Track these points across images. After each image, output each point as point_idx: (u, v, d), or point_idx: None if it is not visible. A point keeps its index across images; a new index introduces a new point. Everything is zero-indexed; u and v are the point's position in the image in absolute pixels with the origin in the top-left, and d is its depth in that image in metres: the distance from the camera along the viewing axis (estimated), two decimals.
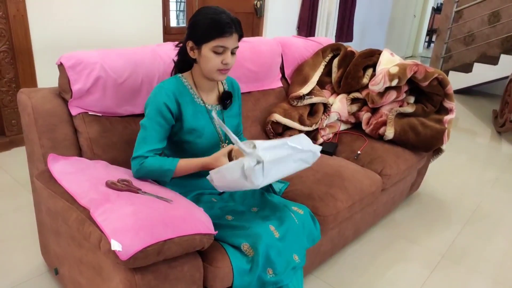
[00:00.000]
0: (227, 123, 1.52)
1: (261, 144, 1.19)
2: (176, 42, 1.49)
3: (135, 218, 1.07)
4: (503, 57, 4.83)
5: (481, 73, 5.05)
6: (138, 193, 1.22)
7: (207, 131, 1.45)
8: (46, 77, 2.90)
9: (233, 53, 1.36)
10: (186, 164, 1.34)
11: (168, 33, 3.69)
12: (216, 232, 1.21)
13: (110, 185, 1.22)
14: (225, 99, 1.50)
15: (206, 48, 1.32)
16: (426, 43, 9.91)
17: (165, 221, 1.10)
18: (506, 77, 4.61)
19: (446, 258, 2.02)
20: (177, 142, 1.43)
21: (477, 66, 5.10)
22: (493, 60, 5.02)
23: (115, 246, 1.00)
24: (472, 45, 5.62)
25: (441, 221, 2.37)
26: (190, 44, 1.35)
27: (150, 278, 1.07)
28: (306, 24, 4.91)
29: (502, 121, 3.90)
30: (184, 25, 3.94)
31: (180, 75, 1.45)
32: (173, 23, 3.83)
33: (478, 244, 2.16)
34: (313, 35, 5.02)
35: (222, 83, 1.55)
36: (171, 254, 1.08)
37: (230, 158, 1.33)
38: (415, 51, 8.80)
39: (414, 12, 8.26)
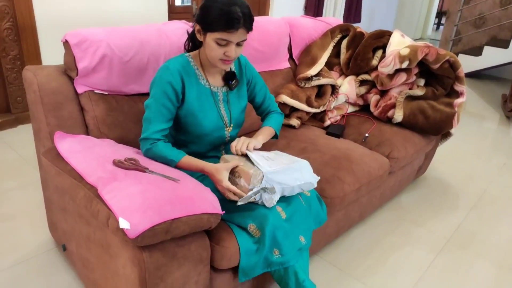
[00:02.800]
0: (234, 104, 1.49)
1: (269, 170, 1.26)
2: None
3: (143, 197, 1.07)
4: None
5: (491, 56, 4.95)
6: (145, 172, 1.21)
7: (211, 114, 1.43)
8: (51, 55, 2.88)
9: (239, 45, 1.31)
10: (188, 162, 1.34)
11: (173, 12, 3.63)
12: (223, 212, 1.21)
13: (117, 163, 1.21)
14: (228, 79, 1.46)
15: (210, 37, 1.28)
16: (435, 25, 9.72)
17: (173, 201, 1.09)
18: None
19: (451, 242, 2.02)
20: (181, 123, 1.41)
21: (487, 49, 5.00)
22: (504, 43, 4.91)
23: (123, 224, 1.00)
24: (482, 27, 5.50)
25: (447, 205, 2.36)
26: (197, 27, 1.31)
27: (158, 256, 1.07)
28: (314, 4, 4.81)
29: (511, 105, 3.85)
30: (189, 4, 3.87)
31: (187, 54, 1.42)
32: (178, 1, 3.76)
33: (484, 229, 2.16)
34: (321, 16, 4.92)
35: None
36: (178, 233, 1.08)
37: (232, 172, 1.30)
38: (424, 33, 8.64)
39: None
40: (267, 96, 1.62)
